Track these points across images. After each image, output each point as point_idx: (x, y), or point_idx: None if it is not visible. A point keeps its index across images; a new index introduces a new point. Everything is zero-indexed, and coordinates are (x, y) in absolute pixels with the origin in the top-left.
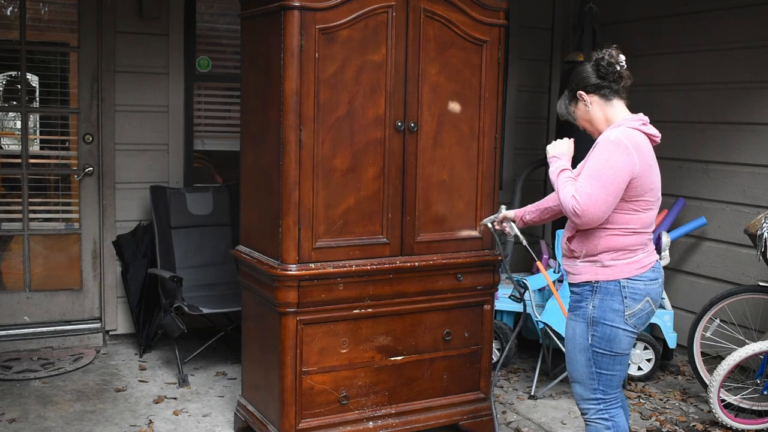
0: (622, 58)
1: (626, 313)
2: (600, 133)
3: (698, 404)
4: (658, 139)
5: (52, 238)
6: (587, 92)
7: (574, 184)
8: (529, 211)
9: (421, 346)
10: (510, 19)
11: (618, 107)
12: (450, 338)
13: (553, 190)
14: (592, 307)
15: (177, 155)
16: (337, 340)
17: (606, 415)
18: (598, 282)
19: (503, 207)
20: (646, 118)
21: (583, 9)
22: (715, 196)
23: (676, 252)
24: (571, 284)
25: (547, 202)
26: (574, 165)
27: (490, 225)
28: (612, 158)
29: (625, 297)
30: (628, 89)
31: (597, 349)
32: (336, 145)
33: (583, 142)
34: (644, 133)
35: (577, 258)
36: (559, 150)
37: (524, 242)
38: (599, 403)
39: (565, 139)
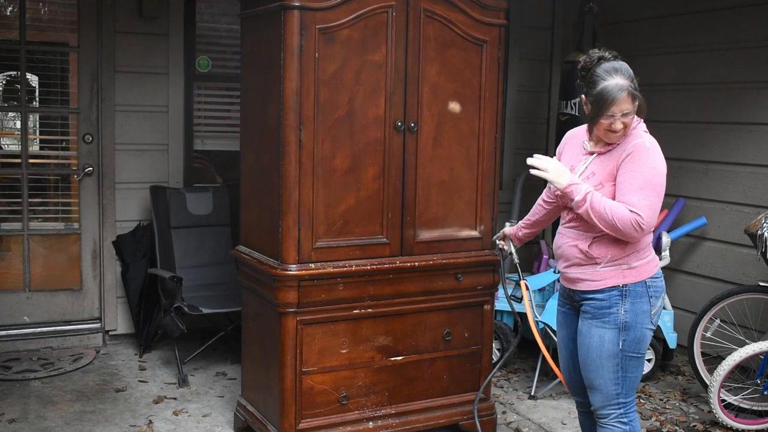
0: None
1: (652, 313)
2: (616, 139)
3: (698, 404)
4: None
5: (52, 238)
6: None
7: (615, 201)
8: (521, 228)
9: (421, 346)
10: (510, 19)
11: None
12: (450, 338)
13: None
14: (624, 311)
15: (177, 155)
16: (337, 340)
17: (625, 419)
18: (626, 285)
19: (507, 224)
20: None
21: (583, 9)
22: (715, 196)
23: (676, 252)
24: (587, 291)
25: (534, 215)
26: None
27: (496, 242)
28: (657, 165)
29: (651, 296)
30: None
31: (627, 353)
32: (336, 145)
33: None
34: None
35: (598, 264)
36: (570, 176)
37: (516, 260)
38: (620, 407)
39: (556, 161)
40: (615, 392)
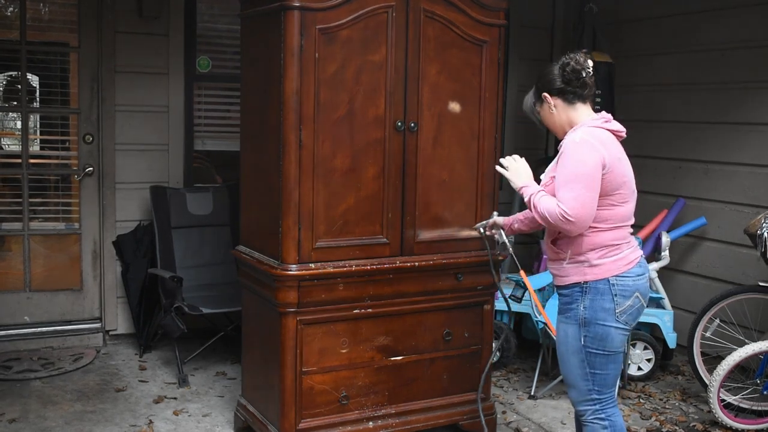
0: (590, 64)
1: (617, 311)
2: (564, 134)
3: (698, 404)
4: (624, 134)
5: (52, 238)
6: (551, 95)
7: (551, 197)
8: (518, 220)
9: (421, 346)
10: (510, 19)
11: (581, 110)
12: (450, 338)
13: None
14: (583, 308)
15: (177, 155)
16: (337, 340)
17: (602, 415)
18: (587, 282)
19: (495, 213)
20: (609, 116)
21: (583, 9)
22: (715, 196)
23: (676, 252)
24: (558, 287)
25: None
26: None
27: (481, 230)
28: (583, 157)
29: (615, 295)
30: (591, 93)
31: (590, 349)
32: (336, 145)
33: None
34: (608, 130)
35: (563, 260)
36: (526, 178)
37: (510, 250)
38: (595, 404)
39: (522, 162)
40: (587, 388)
